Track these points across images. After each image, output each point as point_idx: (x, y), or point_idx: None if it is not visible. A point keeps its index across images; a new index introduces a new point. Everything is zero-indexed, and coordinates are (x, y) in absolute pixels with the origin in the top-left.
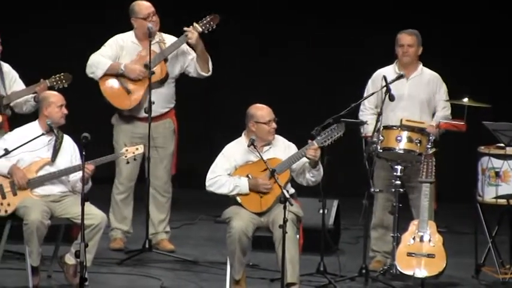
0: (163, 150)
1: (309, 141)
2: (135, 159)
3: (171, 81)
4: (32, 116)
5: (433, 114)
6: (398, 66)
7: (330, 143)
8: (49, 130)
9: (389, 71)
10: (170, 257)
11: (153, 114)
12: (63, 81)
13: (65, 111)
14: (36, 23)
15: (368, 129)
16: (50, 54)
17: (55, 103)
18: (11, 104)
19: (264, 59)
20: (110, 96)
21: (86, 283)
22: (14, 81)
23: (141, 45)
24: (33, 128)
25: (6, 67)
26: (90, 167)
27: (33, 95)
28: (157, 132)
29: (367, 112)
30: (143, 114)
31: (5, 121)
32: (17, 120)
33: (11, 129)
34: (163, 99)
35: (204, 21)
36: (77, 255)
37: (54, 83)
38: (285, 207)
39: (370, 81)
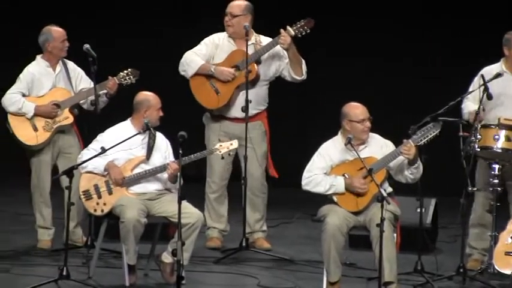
0: (253, 150)
1: (404, 140)
2: (229, 155)
3: (263, 83)
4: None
5: None
6: (506, 65)
7: (426, 141)
8: (146, 129)
9: (496, 69)
10: (267, 256)
11: (242, 115)
12: (131, 77)
13: (161, 113)
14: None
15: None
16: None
17: (155, 106)
18: (80, 102)
19: (361, 57)
20: (198, 95)
21: (183, 281)
22: (80, 79)
23: (236, 44)
24: (126, 127)
25: (71, 64)
26: (173, 166)
27: (104, 92)
28: (248, 133)
29: (469, 102)
30: (232, 115)
31: (74, 121)
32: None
33: (78, 128)
34: (254, 100)
35: (298, 25)
36: (174, 253)
37: (123, 80)
38: (382, 206)
39: (476, 78)
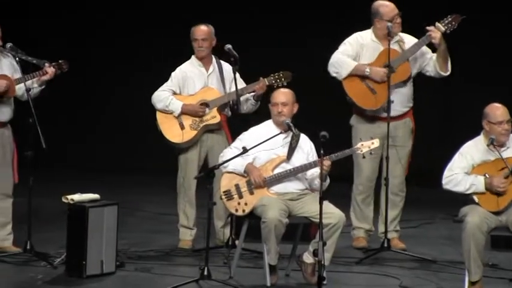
0: (402, 149)
1: None
2: (371, 153)
3: (410, 81)
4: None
5: None
6: None
7: None
8: (287, 129)
9: None
10: (408, 256)
11: (396, 113)
12: (283, 79)
13: (282, 109)
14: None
15: None
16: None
17: (272, 104)
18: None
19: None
20: (355, 96)
21: (324, 282)
22: (233, 80)
23: (381, 44)
24: (269, 126)
25: (226, 66)
26: (326, 162)
27: (252, 94)
28: (398, 131)
29: None
30: (385, 114)
31: (224, 122)
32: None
33: (230, 130)
34: (404, 98)
35: (446, 21)
36: (315, 254)
37: (273, 82)
38: None
39: None
